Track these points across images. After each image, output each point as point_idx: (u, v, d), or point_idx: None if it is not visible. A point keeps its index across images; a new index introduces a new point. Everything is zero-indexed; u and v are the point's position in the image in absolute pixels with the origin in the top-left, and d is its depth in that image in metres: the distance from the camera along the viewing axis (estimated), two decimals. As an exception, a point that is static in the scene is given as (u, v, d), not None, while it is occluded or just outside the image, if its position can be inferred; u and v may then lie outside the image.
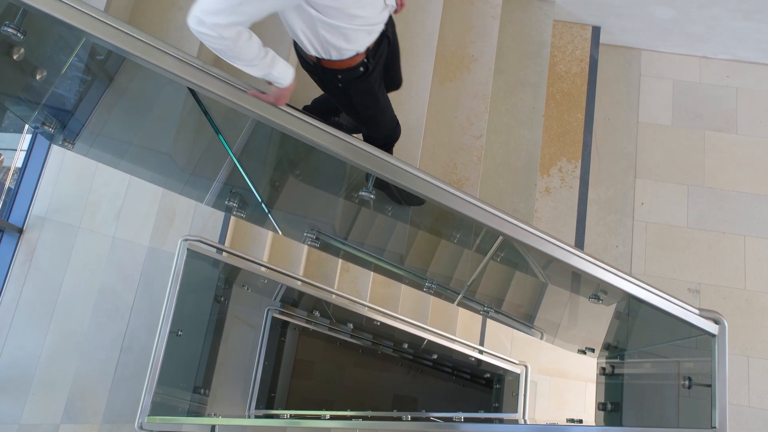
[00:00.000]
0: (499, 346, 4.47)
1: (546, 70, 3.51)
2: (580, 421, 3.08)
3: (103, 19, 1.28)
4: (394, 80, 2.37)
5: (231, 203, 2.44)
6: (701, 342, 2.04)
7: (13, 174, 4.18)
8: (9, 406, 3.39)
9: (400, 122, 2.39)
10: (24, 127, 3.94)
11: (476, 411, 4.88)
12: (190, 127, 1.98)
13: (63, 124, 2.04)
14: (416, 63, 3.03)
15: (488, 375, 4.88)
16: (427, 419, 3.76)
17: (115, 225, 3.56)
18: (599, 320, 2.76)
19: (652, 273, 3.83)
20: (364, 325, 4.12)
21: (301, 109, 1.63)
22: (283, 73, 1.55)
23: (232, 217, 3.22)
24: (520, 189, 3.30)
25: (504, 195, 3.30)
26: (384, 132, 2.29)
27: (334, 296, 3.52)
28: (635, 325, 2.63)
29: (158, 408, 2.56)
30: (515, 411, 4.26)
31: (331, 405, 4.93)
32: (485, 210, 1.69)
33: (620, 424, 2.83)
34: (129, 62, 1.43)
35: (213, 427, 3.12)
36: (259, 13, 1.43)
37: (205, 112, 1.64)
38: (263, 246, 3.34)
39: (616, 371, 3.00)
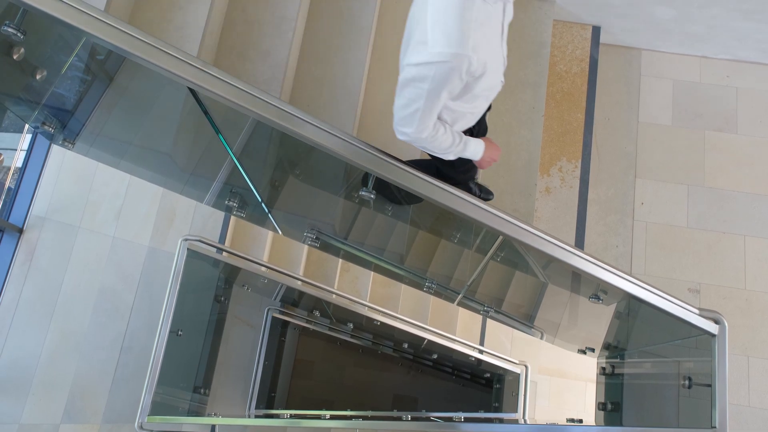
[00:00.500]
0: (499, 345, 4.47)
1: (546, 69, 3.51)
2: (580, 420, 3.08)
3: (103, 19, 1.28)
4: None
5: (231, 203, 2.43)
6: (701, 342, 2.04)
7: (13, 174, 4.18)
8: (9, 406, 3.39)
9: None
10: (24, 126, 3.94)
11: (476, 411, 4.88)
12: (190, 127, 1.98)
13: (63, 123, 2.04)
14: (416, 63, 3.03)
15: (488, 375, 4.88)
16: (427, 419, 3.76)
17: (115, 225, 3.56)
18: (599, 320, 2.76)
19: (652, 273, 3.83)
20: (364, 324, 4.12)
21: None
22: (475, 150, 1.82)
23: (232, 217, 3.23)
24: (520, 189, 3.30)
25: (504, 195, 3.30)
26: (470, 176, 2.30)
27: (334, 296, 3.53)
28: (635, 325, 2.63)
29: (158, 408, 2.56)
30: (515, 411, 4.26)
31: (331, 405, 4.93)
32: (485, 210, 1.69)
33: (620, 424, 2.83)
34: (129, 62, 1.43)
35: (213, 426, 3.12)
36: (437, 109, 1.59)
37: (206, 112, 1.64)
38: (263, 246, 3.34)
39: (616, 371, 3.00)
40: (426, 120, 1.58)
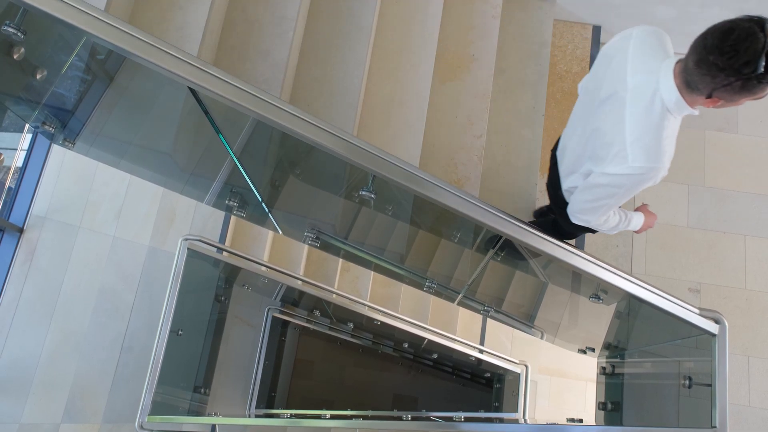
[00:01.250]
0: (500, 345, 4.47)
1: (546, 69, 3.51)
2: (581, 420, 3.08)
3: (104, 19, 1.28)
4: None
5: (231, 203, 2.43)
6: (701, 342, 2.05)
7: (13, 173, 4.17)
8: (9, 406, 3.39)
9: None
10: (24, 126, 3.94)
11: (476, 410, 4.88)
12: (191, 126, 1.98)
13: (63, 123, 2.04)
14: (416, 63, 3.03)
15: (488, 374, 4.88)
16: (428, 419, 3.76)
17: (116, 225, 3.56)
18: (599, 320, 2.76)
19: (653, 273, 3.83)
20: (364, 324, 4.12)
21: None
22: (637, 222, 2.06)
23: (233, 217, 3.23)
24: (520, 189, 3.30)
25: (504, 195, 3.29)
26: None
27: (334, 296, 3.53)
28: (635, 324, 2.63)
29: (158, 407, 2.56)
30: (515, 410, 4.26)
31: (331, 404, 4.93)
32: (486, 210, 1.69)
33: (620, 424, 2.83)
34: (129, 62, 1.43)
35: (213, 426, 3.12)
36: (612, 209, 1.85)
37: (206, 112, 1.64)
38: (263, 245, 3.34)
39: (617, 371, 3.00)
40: (608, 212, 1.85)
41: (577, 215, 1.89)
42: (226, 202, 2.46)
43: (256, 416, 3.69)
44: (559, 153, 2.10)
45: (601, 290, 2.12)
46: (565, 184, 2.02)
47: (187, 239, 2.69)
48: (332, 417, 3.60)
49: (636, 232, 2.13)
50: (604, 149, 1.66)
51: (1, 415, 3.39)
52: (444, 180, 1.64)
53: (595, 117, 1.73)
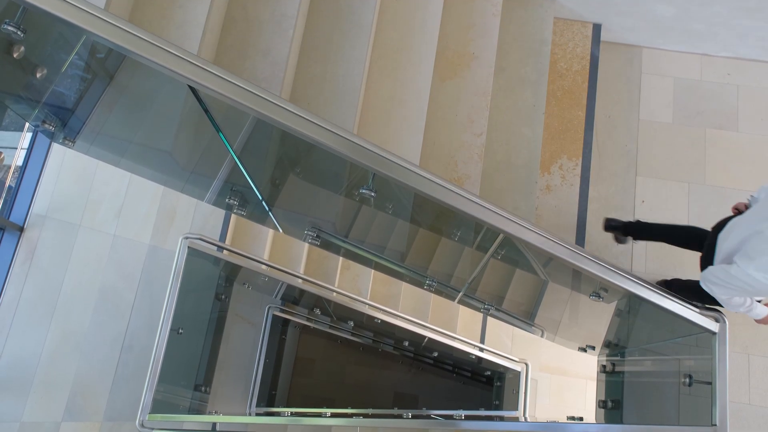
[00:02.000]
0: (500, 343, 4.47)
1: (547, 67, 3.51)
2: (581, 418, 3.08)
3: (104, 17, 1.27)
4: None
5: (232, 201, 2.43)
6: (702, 340, 2.05)
7: (13, 172, 4.17)
8: (10, 405, 3.39)
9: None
10: (24, 125, 3.94)
11: (477, 409, 4.89)
12: (191, 125, 1.97)
13: (63, 122, 2.04)
14: (417, 61, 3.03)
15: (489, 373, 4.88)
16: (428, 417, 3.77)
17: (116, 223, 3.56)
18: (600, 318, 2.76)
19: (653, 271, 3.83)
20: (364, 323, 4.12)
21: None
22: (758, 312, 2.24)
23: (233, 215, 3.22)
24: (520, 187, 3.30)
25: (505, 193, 3.29)
26: None
27: (334, 294, 3.53)
28: (636, 323, 2.63)
29: (159, 406, 2.56)
30: (516, 409, 4.26)
31: (332, 403, 4.94)
32: (486, 208, 1.68)
33: (621, 422, 2.83)
34: (129, 60, 1.42)
35: (214, 424, 3.12)
36: (739, 296, 2.11)
37: (206, 111, 1.64)
38: (264, 244, 3.34)
39: (617, 369, 3.00)
40: (733, 295, 2.08)
41: (707, 283, 2.12)
42: (227, 200, 2.46)
43: (257, 414, 3.70)
44: (722, 236, 2.31)
45: (601, 288, 2.12)
46: (718, 262, 2.28)
47: (187, 238, 2.69)
48: (333, 415, 3.60)
49: (756, 321, 2.33)
50: (755, 253, 1.92)
51: (2, 414, 3.39)
52: (444, 178, 1.64)
53: (763, 222, 1.98)
